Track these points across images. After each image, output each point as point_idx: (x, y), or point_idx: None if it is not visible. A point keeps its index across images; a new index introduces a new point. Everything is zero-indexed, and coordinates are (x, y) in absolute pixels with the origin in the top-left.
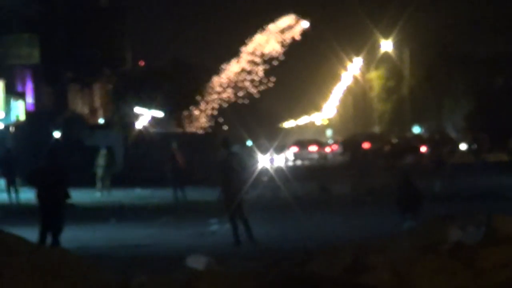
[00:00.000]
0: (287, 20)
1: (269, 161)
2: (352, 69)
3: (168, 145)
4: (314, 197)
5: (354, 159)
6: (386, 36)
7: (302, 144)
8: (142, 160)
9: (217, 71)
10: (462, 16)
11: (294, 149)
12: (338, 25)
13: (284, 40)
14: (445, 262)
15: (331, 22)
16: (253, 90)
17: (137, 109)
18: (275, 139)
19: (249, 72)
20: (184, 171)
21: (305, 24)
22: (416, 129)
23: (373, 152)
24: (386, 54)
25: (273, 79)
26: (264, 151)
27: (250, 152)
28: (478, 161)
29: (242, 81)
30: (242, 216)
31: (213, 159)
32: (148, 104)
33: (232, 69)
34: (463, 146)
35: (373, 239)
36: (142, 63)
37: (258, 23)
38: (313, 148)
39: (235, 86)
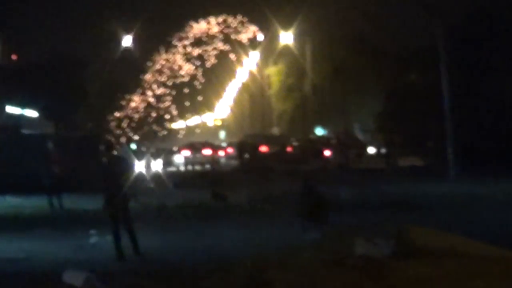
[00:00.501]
0: None
1: (147, 166)
2: (249, 64)
3: (43, 147)
4: (207, 205)
5: (250, 164)
6: (286, 28)
7: (195, 147)
8: (13, 164)
9: (98, 64)
10: (370, 6)
11: (186, 152)
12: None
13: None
14: (352, 278)
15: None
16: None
17: (8, 108)
18: (162, 141)
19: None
20: (62, 176)
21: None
22: (319, 131)
23: (271, 155)
24: (286, 47)
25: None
26: (142, 155)
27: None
28: (389, 166)
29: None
30: (127, 226)
31: (94, 163)
32: (21, 103)
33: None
34: (371, 150)
35: (272, 252)
36: (14, 57)
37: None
38: (207, 152)
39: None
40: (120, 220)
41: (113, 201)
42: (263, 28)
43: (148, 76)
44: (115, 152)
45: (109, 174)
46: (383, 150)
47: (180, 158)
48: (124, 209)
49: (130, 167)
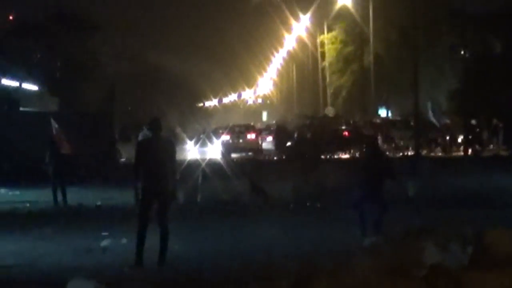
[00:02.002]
0: None
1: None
2: (298, 30)
3: (47, 128)
4: (245, 200)
5: (295, 152)
6: None
7: (236, 131)
8: (9, 149)
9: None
10: None
11: (225, 137)
12: None
13: None
14: None
15: None
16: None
17: (4, 80)
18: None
19: None
20: (69, 163)
21: None
22: (383, 112)
23: (323, 142)
24: (343, 9)
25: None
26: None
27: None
28: (468, 155)
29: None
30: (164, 225)
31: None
32: (19, 74)
33: None
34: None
35: (323, 257)
36: (11, 16)
37: None
38: (251, 136)
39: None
40: (152, 218)
41: (152, 193)
42: None
43: None
44: (161, 133)
45: (152, 160)
46: (461, 136)
47: (218, 144)
48: (164, 206)
49: (176, 153)
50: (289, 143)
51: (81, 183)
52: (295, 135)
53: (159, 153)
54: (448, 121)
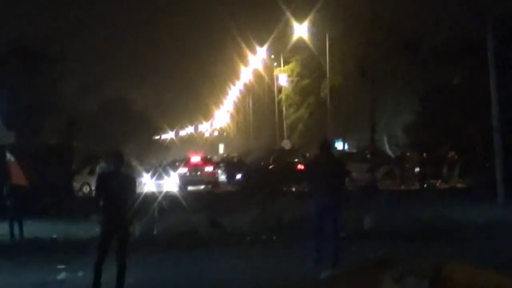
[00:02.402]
0: None
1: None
2: (255, 62)
3: (2, 159)
4: (202, 233)
5: (255, 184)
6: (301, 18)
7: (193, 163)
8: None
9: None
10: None
11: (183, 170)
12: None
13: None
14: None
15: (228, 3)
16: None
17: None
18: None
19: None
20: (25, 195)
21: None
22: (340, 144)
23: (279, 174)
24: (300, 41)
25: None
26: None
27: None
28: (424, 188)
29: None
30: (122, 259)
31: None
32: None
33: None
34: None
35: None
36: None
37: None
38: (209, 169)
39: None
40: (109, 250)
41: (111, 226)
42: (273, 19)
43: None
44: (124, 165)
45: (113, 192)
46: (417, 169)
47: (175, 177)
48: (123, 240)
49: (137, 186)
50: (248, 175)
51: (37, 216)
52: (251, 167)
53: (119, 187)
54: (407, 154)
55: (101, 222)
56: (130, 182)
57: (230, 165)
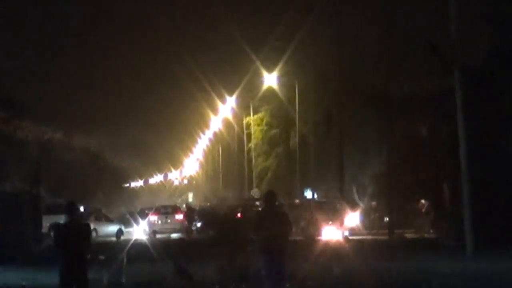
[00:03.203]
0: None
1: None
2: (224, 111)
3: None
4: (169, 281)
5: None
6: (270, 68)
7: (163, 212)
8: None
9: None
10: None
11: (152, 217)
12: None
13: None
14: None
15: (198, 53)
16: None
17: None
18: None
19: None
20: None
21: None
22: (309, 193)
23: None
24: (269, 91)
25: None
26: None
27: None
28: (392, 238)
29: None
30: None
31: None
32: None
33: None
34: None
35: None
36: None
37: None
38: (179, 217)
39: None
40: None
41: (70, 275)
42: (242, 68)
43: None
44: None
45: (68, 244)
46: (385, 219)
47: (144, 225)
48: (82, 281)
49: (91, 234)
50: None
51: (5, 263)
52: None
53: (76, 237)
54: (374, 203)
55: (59, 270)
56: (85, 230)
57: (190, 212)
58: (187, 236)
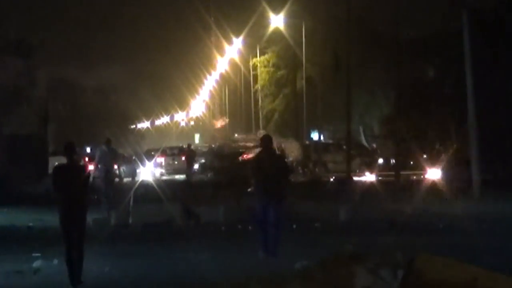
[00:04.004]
0: None
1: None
2: (231, 52)
3: None
4: (177, 224)
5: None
6: (277, 9)
7: (169, 153)
8: None
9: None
10: None
11: (159, 159)
12: None
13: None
14: None
15: None
16: None
17: None
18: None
19: None
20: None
21: None
22: (315, 135)
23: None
24: (276, 32)
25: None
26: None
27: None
28: (399, 180)
29: None
30: (79, 249)
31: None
32: None
33: None
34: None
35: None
36: None
37: None
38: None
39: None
40: (73, 241)
41: (69, 217)
42: (249, 9)
43: None
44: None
45: (67, 185)
46: (392, 161)
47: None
48: (80, 229)
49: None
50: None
51: (12, 205)
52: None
53: (74, 178)
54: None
55: (58, 214)
56: (81, 172)
57: (191, 153)
58: (187, 178)
